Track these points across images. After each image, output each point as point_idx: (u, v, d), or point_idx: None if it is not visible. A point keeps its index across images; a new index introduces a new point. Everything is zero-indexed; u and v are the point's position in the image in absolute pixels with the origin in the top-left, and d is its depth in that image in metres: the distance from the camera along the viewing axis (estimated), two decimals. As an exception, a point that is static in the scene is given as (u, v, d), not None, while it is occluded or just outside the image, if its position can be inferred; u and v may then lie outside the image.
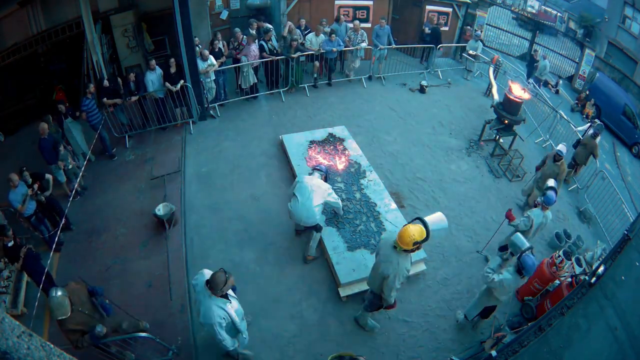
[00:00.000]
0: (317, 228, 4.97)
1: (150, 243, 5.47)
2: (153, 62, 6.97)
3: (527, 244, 4.35)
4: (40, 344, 1.61)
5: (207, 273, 3.37)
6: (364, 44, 8.72)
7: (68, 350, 2.22)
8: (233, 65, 7.95)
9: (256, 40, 7.93)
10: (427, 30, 10.14)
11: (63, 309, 3.40)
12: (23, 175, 5.17)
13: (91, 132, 6.74)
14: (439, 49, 10.08)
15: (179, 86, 6.93)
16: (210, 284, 3.20)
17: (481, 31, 11.41)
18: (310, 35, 8.29)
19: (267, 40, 8.03)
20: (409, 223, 3.68)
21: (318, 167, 5.09)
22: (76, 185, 5.76)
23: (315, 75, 8.96)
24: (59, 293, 3.40)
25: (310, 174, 4.99)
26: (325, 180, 5.02)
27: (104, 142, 6.75)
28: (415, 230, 3.49)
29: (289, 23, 8.41)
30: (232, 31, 8.17)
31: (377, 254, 3.96)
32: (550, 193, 4.98)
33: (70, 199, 5.51)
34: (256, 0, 10.63)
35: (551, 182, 5.24)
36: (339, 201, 5.07)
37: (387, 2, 9.92)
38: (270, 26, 8.65)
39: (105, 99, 6.68)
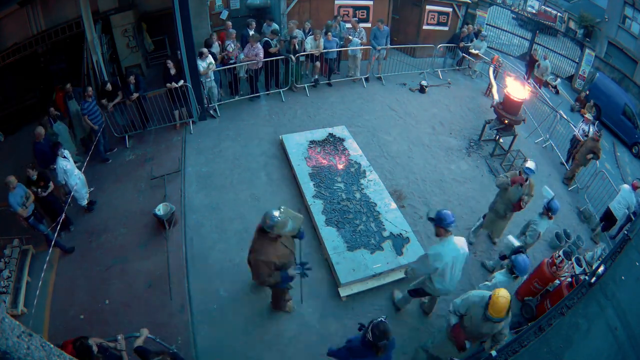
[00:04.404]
0: None
1: (150, 243, 5.46)
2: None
3: (518, 243, 4.35)
4: (40, 344, 1.61)
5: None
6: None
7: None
8: (229, 66, 7.88)
9: (258, 41, 7.90)
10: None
11: None
12: (28, 172, 5.14)
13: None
14: (439, 48, 10.09)
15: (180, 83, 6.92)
16: None
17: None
18: (309, 39, 8.28)
19: (272, 39, 8.03)
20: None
21: None
22: (85, 203, 5.90)
23: (317, 77, 8.96)
24: None
25: None
26: None
27: (98, 145, 6.65)
28: (507, 298, 3.23)
29: (292, 23, 8.40)
30: (228, 32, 8.09)
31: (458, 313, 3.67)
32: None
33: (70, 200, 5.51)
34: (256, 0, 10.64)
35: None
36: None
37: (387, 2, 9.91)
38: (276, 26, 8.66)
39: (104, 100, 6.66)
